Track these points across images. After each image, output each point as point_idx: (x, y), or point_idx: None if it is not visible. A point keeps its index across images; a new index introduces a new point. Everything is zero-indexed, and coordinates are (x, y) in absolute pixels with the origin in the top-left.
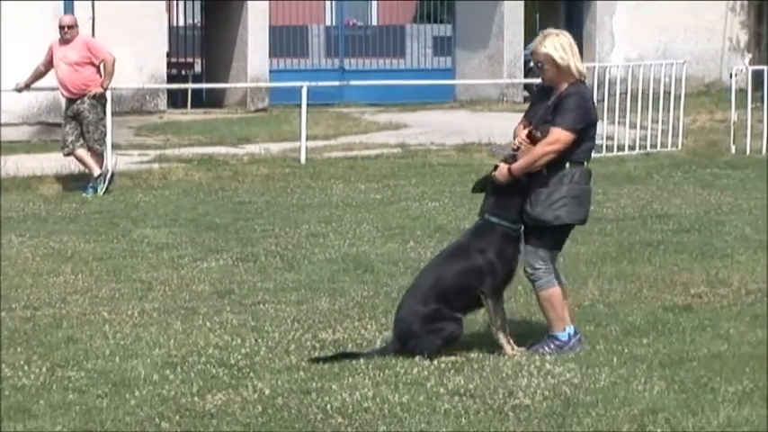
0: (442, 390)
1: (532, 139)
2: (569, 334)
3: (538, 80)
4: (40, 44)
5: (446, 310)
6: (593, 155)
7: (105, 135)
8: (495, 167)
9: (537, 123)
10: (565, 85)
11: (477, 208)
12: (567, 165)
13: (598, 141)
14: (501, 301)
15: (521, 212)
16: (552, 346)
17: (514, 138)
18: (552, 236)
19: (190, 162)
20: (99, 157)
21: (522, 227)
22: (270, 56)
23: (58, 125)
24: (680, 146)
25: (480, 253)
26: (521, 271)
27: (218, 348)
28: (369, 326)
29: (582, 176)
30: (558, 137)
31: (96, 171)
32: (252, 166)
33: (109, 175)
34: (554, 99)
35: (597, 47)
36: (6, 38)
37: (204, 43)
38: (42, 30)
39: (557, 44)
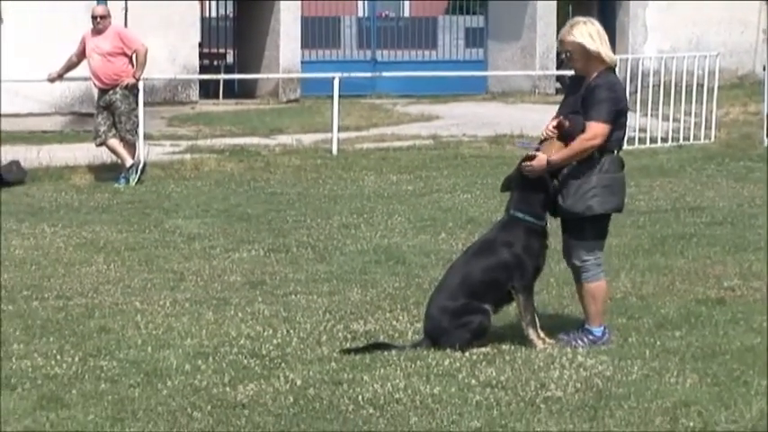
0: (473, 381)
1: (561, 129)
2: (604, 330)
3: (571, 72)
4: (73, 34)
5: (474, 303)
6: (625, 146)
7: (137, 125)
8: (524, 159)
9: (567, 113)
10: (595, 73)
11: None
12: (596, 154)
13: (631, 134)
14: (532, 297)
15: (545, 208)
16: (586, 340)
17: None
18: (592, 227)
19: (222, 153)
20: (131, 147)
21: (546, 223)
22: (302, 47)
23: (91, 115)
24: (713, 138)
25: (507, 248)
26: (551, 265)
27: (250, 339)
28: (400, 317)
29: (612, 165)
30: (596, 131)
31: (129, 161)
32: (284, 157)
33: (141, 166)
34: (583, 89)
35: (630, 39)
36: (37, 27)
37: (236, 34)
38: (76, 21)
39: (584, 32)
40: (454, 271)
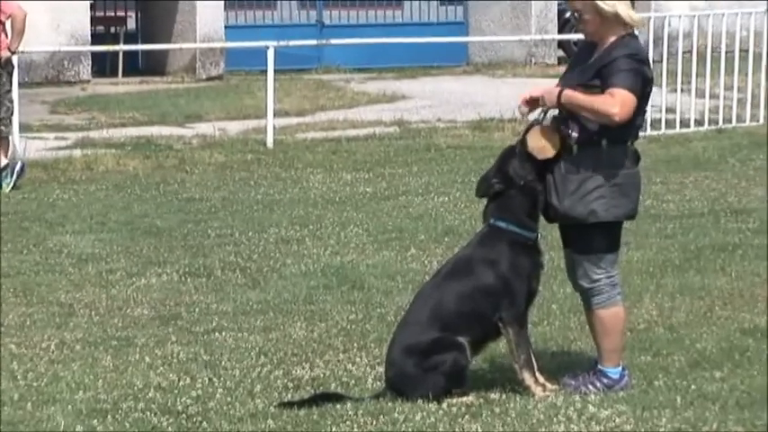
0: None
1: (533, 105)
2: (622, 371)
3: (577, 36)
4: None
5: (445, 337)
6: (649, 131)
7: (12, 113)
8: (508, 148)
9: (572, 85)
10: (612, 39)
11: None
12: (605, 143)
13: (656, 115)
14: (525, 330)
15: (534, 216)
16: (599, 384)
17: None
18: (600, 236)
19: (122, 147)
20: (4, 141)
21: (538, 235)
22: (225, 7)
23: None
24: (761, 120)
25: (489, 268)
26: (554, 288)
27: (161, 390)
28: (357, 359)
29: (625, 158)
30: (624, 99)
31: (2, 161)
32: (204, 152)
33: (18, 167)
34: (597, 56)
35: None
36: None
37: None
38: None
39: None
40: (421, 300)
